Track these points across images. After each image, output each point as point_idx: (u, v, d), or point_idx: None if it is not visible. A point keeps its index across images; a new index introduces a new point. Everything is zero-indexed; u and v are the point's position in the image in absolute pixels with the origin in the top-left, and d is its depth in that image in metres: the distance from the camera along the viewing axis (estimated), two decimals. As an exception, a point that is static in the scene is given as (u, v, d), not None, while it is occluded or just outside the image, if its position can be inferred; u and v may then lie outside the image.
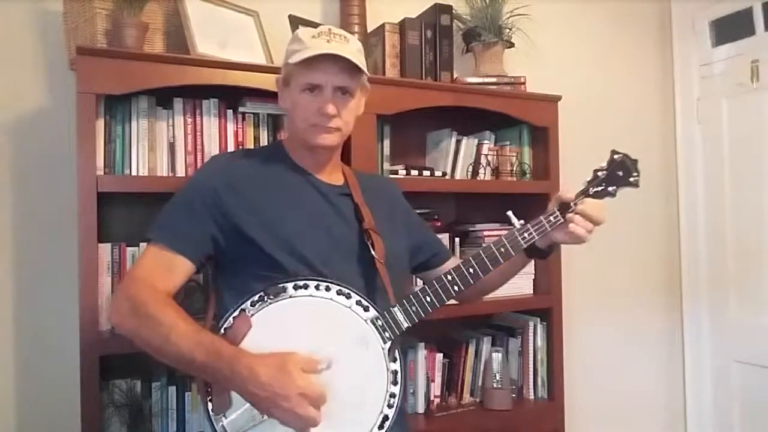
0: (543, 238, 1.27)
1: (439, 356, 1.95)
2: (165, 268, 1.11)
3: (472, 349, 2.02)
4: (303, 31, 1.20)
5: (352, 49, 1.18)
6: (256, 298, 1.06)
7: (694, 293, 2.68)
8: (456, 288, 1.20)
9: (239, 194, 1.15)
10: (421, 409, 1.89)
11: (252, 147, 1.65)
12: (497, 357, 1.97)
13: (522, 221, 1.26)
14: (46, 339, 1.66)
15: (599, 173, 1.28)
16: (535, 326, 2.06)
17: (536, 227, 1.25)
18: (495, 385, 1.96)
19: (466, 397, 1.99)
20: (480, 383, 2.02)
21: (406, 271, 1.38)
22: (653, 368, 2.69)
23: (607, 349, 2.56)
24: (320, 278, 1.09)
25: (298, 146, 1.25)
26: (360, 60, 1.18)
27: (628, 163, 1.28)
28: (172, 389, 1.57)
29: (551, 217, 1.25)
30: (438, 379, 1.95)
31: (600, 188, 1.27)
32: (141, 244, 1.57)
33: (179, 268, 1.13)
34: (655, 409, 2.69)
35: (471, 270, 1.21)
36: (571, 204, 1.25)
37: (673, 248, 2.75)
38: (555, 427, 2.02)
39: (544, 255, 1.33)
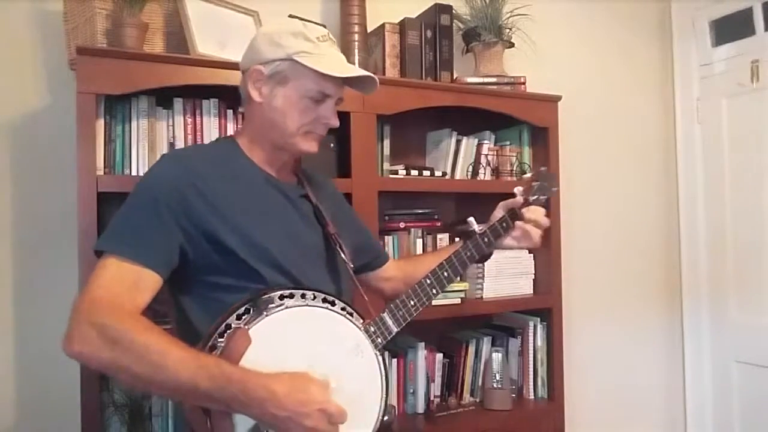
0: (494, 243, 1.36)
1: (439, 356, 1.95)
2: (130, 284, 0.96)
3: (472, 349, 2.02)
4: (301, 27, 1.12)
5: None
6: (241, 311, 0.96)
7: (694, 293, 2.68)
8: (434, 291, 1.24)
9: (205, 196, 1.03)
10: (421, 409, 1.89)
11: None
12: (497, 357, 1.97)
13: (481, 226, 1.34)
14: (46, 339, 1.65)
15: (534, 184, 1.39)
16: (535, 326, 2.06)
17: (493, 232, 1.34)
18: (495, 385, 1.96)
19: (466, 397, 1.99)
20: (480, 383, 2.02)
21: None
22: (653, 368, 2.69)
23: (607, 349, 2.56)
24: (302, 287, 1.04)
25: (263, 145, 1.15)
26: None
27: (549, 175, 1.45)
28: (172, 389, 1.57)
29: (504, 224, 1.35)
30: (438, 379, 1.95)
31: (535, 197, 1.40)
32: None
33: (147, 284, 0.98)
34: (655, 409, 2.69)
35: (445, 273, 1.27)
36: (517, 210, 1.36)
37: (673, 248, 2.74)
38: (555, 427, 2.02)
39: (487, 259, 1.41)
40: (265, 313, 0.96)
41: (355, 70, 1.14)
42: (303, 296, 1.02)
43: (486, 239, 1.32)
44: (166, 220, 1.00)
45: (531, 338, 2.05)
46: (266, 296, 0.98)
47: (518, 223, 1.36)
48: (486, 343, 2.04)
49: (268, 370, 0.92)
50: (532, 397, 2.05)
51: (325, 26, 1.22)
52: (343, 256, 1.18)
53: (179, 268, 1.04)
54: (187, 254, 1.03)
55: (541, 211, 1.38)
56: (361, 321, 1.10)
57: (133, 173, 1.54)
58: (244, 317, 0.96)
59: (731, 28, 2.57)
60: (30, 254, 1.65)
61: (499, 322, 2.17)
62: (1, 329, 1.62)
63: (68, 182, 1.59)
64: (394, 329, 1.14)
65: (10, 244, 1.64)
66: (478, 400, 2.01)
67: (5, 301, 1.63)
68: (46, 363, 1.65)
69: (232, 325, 0.95)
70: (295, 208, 1.17)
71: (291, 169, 1.24)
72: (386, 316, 1.14)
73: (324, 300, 1.04)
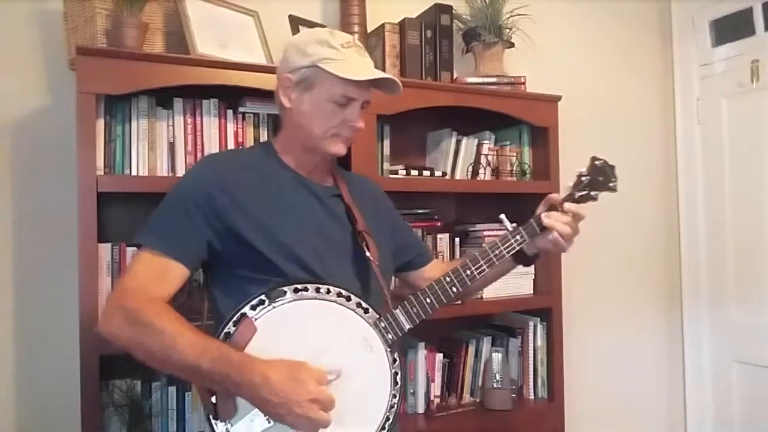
0: (530, 244, 1.30)
1: (439, 356, 1.95)
2: (159, 274, 1.07)
3: (472, 349, 2.02)
4: (327, 35, 1.17)
5: (371, 61, 1.22)
6: (255, 302, 1.03)
7: (694, 293, 2.68)
8: (454, 289, 1.22)
9: (233, 196, 1.12)
10: (421, 409, 1.89)
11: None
12: (497, 357, 1.97)
13: (515, 224, 1.27)
14: (46, 339, 1.66)
15: (582, 178, 1.29)
16: (535, 326, 2.06)
17: (527, 230, 1.27)
18: (495, 385, 1.96)
19: (466, 397, 1.99)
20: (480, 383, 2.02)
21: (392, 272, 1.39)
22: (653, 368, 2.69)
23: (607, 349, 2.56)
24: (319, 281, 1.09)
25: (295, 148, 1.22)
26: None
27: (607, 168, 1.31)
28: (172, 389, 1.57)
29: (539, 222, 1.27)
30: (438, 379, 1.95)
31: (584, 192, 1.29)
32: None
33: (174, 275, 1.09)
34: (655, 409, 2.69)
35: (468, 272, 1.23)
36: (558, 207, 1.27)
37: (673, 248, 2.74)
38: (555, 427, 2.02)
39: (530, 261, 1.37)
40: (273, 304, 1.03)
41: (375, 74, 1.17)
42: (317, 290, 1.07)
43: (519, 237, 1.26)
44: (194, 218, 1.10)
45: (531, 338, 2.05)
46: (280, 288, 1.04)
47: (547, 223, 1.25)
48: (486, 343, 2.04)
49: (271, 357, 0.98)
50: (532, 397, 2.05)
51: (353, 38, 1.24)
52: (367, 253, 1.20)
53: (210, 261, 1.14)
54: (215, 249, 1.12)
55: (566, 216, 1.25)
56: (376, 317, 1.12)
57: (133, 173, 1.54)
58: (258, 308, 1.03)
59: (731, 28, 2.57)
60: (30, 254, 1.65)
61: (499, 322, 2.17)
62: (1, 329, 1.62)
63: (68, 182, 1.59)
64: (407, 326, 1.16)
65: (10, 244, 1.64)
66: (478, 400, 2.01)
67: (5, 301, 1.63)
68: (46, 363, 1.65)
69: (247, 315, 1.02)
70: (323, 206, 1.22)
71: (327, 171, 1.29)
72: (399, 312, 1.16)
73: (339, 294, 1.08)
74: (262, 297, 1.04)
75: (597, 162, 1.31)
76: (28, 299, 1.65)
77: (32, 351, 1.65)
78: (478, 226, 2.03)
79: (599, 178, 1.29)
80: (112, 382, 1.52)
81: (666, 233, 2.74)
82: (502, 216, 1.29)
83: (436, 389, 1.94)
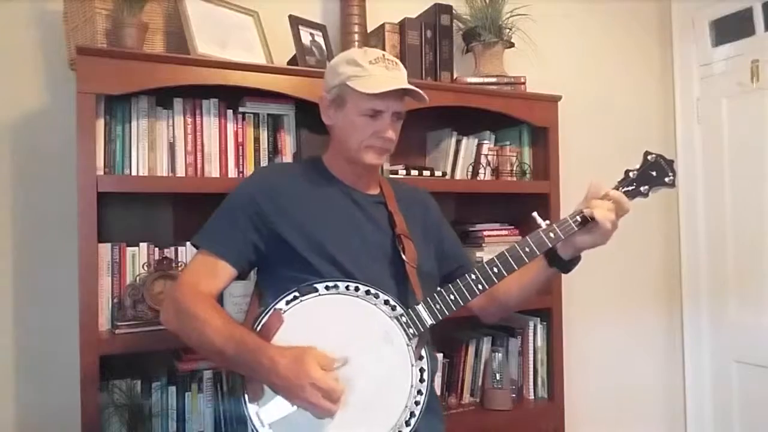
0: (567, 245, 1.23)
1: (439, 356, 1.95)
2: (209, 272, 1.19)
3: (472, 349, 2.02)
4: (357, 54, 1.25)
5: (404, 73, 1.27)
6: (290, 297, 1.12)
7: (694, 293, 2.68)
8: (480, 287, 1.18)
9: (276, 201, 1.22)
10: (421, 409, 1.88)
11: (253, 150, 1.68)
12: (497, 357, 1.98)
13: (548, 221, 1.21)
14: (46, 339, 1.66)
15: (630, 173, 1.24)
16: (535, 326, 2.06)
17: (562, 227, 1.19)
18: (495, 385, 1.96)
19: (466, 397, 2.00)
20: (480, 383, 2.02)
21: (436, 279, 1.38)
22: (653, 368, 2.69)
23: (607, 349, 2.56)
24: (349, 279, 1.15)
25: (340, 161, 1.30)
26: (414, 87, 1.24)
27: (662, 163, 1.25)
28: (172, 389, 1.57)
29: (578, 217, 1.19)
30: (438, 379, 1.94)
31: (631, 188, 1.23)
32: (141, 243, 1.59)
33: (222, 273, 1.19)
34: (655, 409, 2.69)
35: (495, 269, 1.19)
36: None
37: (673, 248, 2.74)
38: (555, 427, 2.02)
39: (566, 266, 1.27)
40: (302, 299, 1.12)
41: (392, 85, 1.20)
42: (347, 287, 1.14)
43: (552, 234, 1.19)
44: (242, 223, 1.21)
45: (531, 338, 2.05)
46: (312, 285, 1.13)
47: (596, 202, 1.18)
48: (486, 343, 2.04)
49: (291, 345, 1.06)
50: (532, 397, 2.05)
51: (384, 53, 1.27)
52: (403, 256, 1.24)
53: (259, 261, 1.24)
54: (261, 251, 1.22)
55: (608, 203, 1.18)
56: (400, 312, 1.15)
57: (133, 173, 1.55)
58: (291, 303, 1.12)
59: (731, 28, 2.57)
60: (30, 254, 1.65)
61: (499, 322, 2.16)
62: (1, 329, 1.62)
63: (68, 182, 1.59)
64: (428, 321, 1.16)
65: (10, 244, 1.64)
66: (478, 400, 2.01)
67: (5, 301, 1.63)
68: (46, 363, 1.65)
69: (281, 309, 1.11)
70: (363, 211, 1.29)
71: (373, 180, 1.36)
72: (421, 308, 1.17)
73: (367, 292, 1.14)
74: (296, 293, 1.12)
75: (650, 157, 1.25)
76: (28, 299, 1.65)
77: (32, 351, 1.65)
78: (478, 226, 2.02)
79: (652, 172, 1.23)
80: (112, 382, 1.52)
81: (666, 233, 2.74)
82: (535, 213, 1.22)
83: (436, 389, 1.94)
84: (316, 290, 1.13)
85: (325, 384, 1.01)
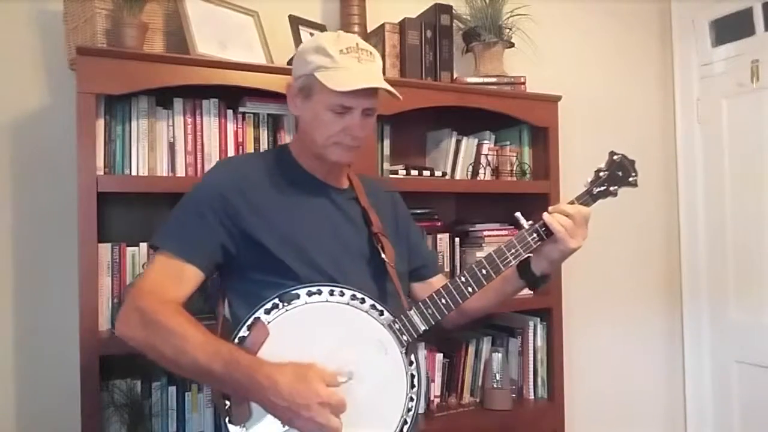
0: (539, 259, 1.24)
1: (439, 356, 1.95)
2: (174, 277, 1.07)
3: (472, 349, 2.02)
4: (327, 41, 1.13)
5: (379, 66, 1.17)
6: (269, 305, 1.03)
7: (694, 293, 2.68)
8: (470, 289, 1.17)
9: (247, 199, 1.11)
10: (421, 409, 1.86)
11: (253, 150, 1.66)
12: (497, 357, 1.97)
13: (531, 222, 1.21)
14: (46, 339, 1.66)
15: (601, 174, 1.27)
16: (535, 326, 2.06)
17: (543, 228, 1.20)
18: (495, 385, 1.96)
19: (466, 397, 1.99)
20: (480, 383, 2.02)
21: (407, 278, 1.35)
22: (653, 368, 2.69)
23: (607, 349, 2.56)
24: (333, 284, 1.08)
25: (307, 154, 1.21)
26: (384, 80, 1.15)
27: (626, 163, 1.28)
28: (172, 389, 1.57)
29: (536, 226, 1.21)
30: (438, 379, 1.94)
31: (602, 188, 1.26)
32: (141, 243, 1.58)
33: (189, 277, 1.08)
34: (655, 409, 2.69)
35: (483, 271, 1.18)
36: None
37: (673, 248, 2.74)
38: (555, 427, 2.02)
39: (536, 281, 1.27)
40: (286, 308, 1.03)
41: (364, 83, 1.10)
42: (331, 293, 1.06)
43: (535, 234, 1.20)
44: (209, 221, 1.09)
45: (531, 338, 2.05)
46: (294, 292, 1.04)
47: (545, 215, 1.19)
48: (486, 343, 2.04)
49: (283, 361, 0.98)
50: (532, 397, 2.05)
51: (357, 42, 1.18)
52: (383, 255, 1.19)
53: (226, 264, 1.13)
54: (230, 252, 1.11)
55: (570, 208, 1.19)
56: (391, 319, 1.11)
57: (133, 173, 1.55)
58: (272, 311, 1.03)
59: (731, 28, 2.57)
60: (30, 254, 1.65)
61: (499, 322, 2.17)
62: (1, 329, 1.62)
63: (68, 182, 1.59)
64: (422, 327, 1.14)
65: (10, 244, 1.64)
66: (478, 400, 2.00)
67: (5, 301, 1.63)
68: (46, 363, 1.65)
69: (261, 319, 1.02)
70: (339, 209, 1.21)
71: (342, 173, 1.27)
72: (413, 313, 1.14)
73: (353, 297, 1.08)
74: (276, 301, 1.03)
75: (615, 157, 1.28)
76: (28, 299, 1.65)
77: (32, 351, 1.64)
78: (478, 226, 2.02)
79: (618, 173, 1.27)
80: (112, 382, 1.52)
81: (666, 233, 2.74)
82: (518, 214, 1.23)
83: (436, 389, 1.94)
84: (298, 296, 1.04)
85: (334, 399, 0.95)
